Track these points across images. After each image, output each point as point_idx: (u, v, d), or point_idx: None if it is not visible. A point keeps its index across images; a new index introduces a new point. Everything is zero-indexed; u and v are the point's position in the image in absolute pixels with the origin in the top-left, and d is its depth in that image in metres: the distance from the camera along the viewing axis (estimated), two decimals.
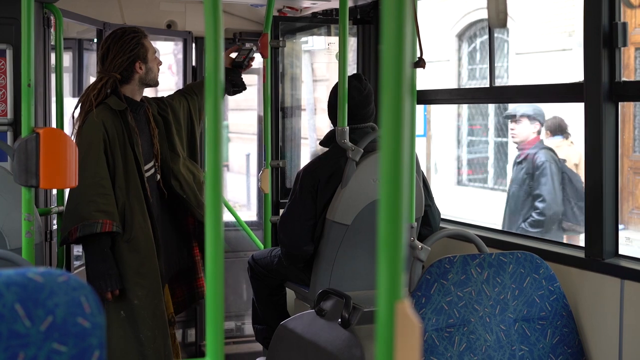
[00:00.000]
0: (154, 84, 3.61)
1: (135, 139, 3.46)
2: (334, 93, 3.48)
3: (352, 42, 4.54)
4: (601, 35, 2.84)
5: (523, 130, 5.59)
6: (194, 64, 4.91)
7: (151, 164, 3.61)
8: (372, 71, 4.47)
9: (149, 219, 3.47)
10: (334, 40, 4.80)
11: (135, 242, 3.42)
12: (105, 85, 3.44)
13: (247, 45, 4.06)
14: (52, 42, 3.96)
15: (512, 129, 5.73)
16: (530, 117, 5.55)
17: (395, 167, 0.90)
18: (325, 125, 8.98)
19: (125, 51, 3.46)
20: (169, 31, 4.83)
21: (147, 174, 3.55)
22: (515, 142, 5.76)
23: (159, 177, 3.63)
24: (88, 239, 3.29)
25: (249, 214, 9.83)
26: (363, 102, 3.49)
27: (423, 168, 3.63)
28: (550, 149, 5.60)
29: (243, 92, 4.07)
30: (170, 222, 3.76)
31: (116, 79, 3.45)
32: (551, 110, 9.77)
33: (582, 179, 4.83)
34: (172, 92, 3.99)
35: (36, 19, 3.56)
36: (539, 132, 5.63)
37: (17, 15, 2.36)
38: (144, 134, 3.59)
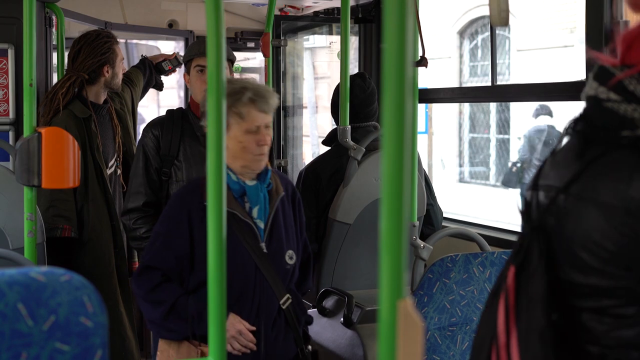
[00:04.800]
0: (117, 88, 3.73)
1: (97, 145, 3.55)
2: (338, 91, 3.48)
3: (354, 41, 4.54)
4: (603, 33, 2.84)
5: None
6: None
7: (112, 160, 3.70)
8: (373, 70, 4.46)
9: (109, 221, 3.56)
10: (336, 39, 4.80)
11: (89, 245, 3.50)
12: (74, 84, 3.52)
13: (180, 58, 4.34)
14: (54, 42, 3.96)
15: None
16: None
17: (397, 166, 0.90)
18: (326, 124, 8.98)
19: (96, 54, 3.56)
20: (171, 30, 4.83)
21: (109, 171, 3.65)
22: None
23: (119, 171, 3.74)
24: (47, 243, 3.33)
25: None
26: (366, 100, 3.49)
27: (425, 166, 3.63)
28: None
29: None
30: None
31: (84, 79, 3.53)
32: (553, 108, 9.78)
33: None
34: (171, 91, 4.05)
35: (38, 19, 3.56)
36: None
37: (19, 15, 2.36)
38: (107, 133, 3.68)
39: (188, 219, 2.44)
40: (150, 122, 3.29)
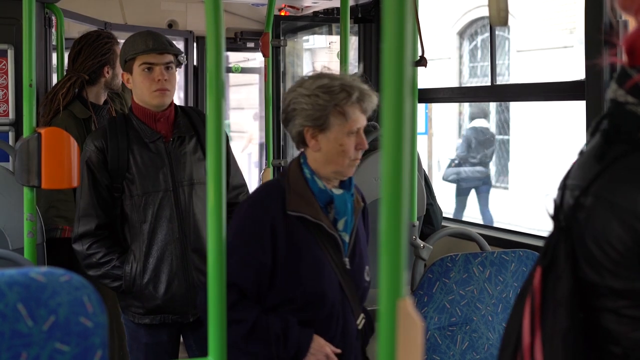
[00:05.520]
0: (117, 89, 3.72)
1: None
2: None
3: (354, 41, 4.54)
4: (602, 34, 2.84)
5: None
6: (195, 63, 4.92)
7: None
8: (373, 70, 4.47)
9: None
10: (335, 39, 4.80)
11: None
12: (74, 85, 3.52)
13: (181, 59, 4.33)
14: (54, 42, 3.97)
15: None
16: None
17: (396, 166, 0.90)
18: None
19: (96, 55, 3.55)
20: (171, 31, 4.83)
21: None
22: None
23: None
24: (47, 243, 3.32)
25: None
26: None
27: (425, 166, 3.63)
28: None
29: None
30: None
31: (84, 79, 3.53)
32: (553, 107, 9.78)
33: None
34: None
35: (37, 19, 3.56)
36: None
37: (19, 15, 2.36)
38: None
39: (271, 229, 2.13)
40: (91, 133, 2.94)
